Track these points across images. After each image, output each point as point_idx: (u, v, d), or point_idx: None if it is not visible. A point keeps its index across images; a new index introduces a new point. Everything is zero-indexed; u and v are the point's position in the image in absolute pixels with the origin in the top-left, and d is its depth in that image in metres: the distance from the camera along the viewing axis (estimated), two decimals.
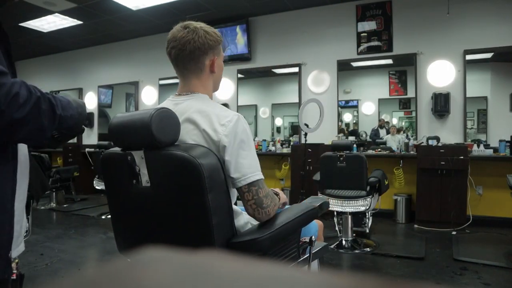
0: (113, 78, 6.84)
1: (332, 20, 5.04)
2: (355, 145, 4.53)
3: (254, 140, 5.39)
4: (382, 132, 5.03)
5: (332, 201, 3.19)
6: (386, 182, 3.36)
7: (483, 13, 4.28)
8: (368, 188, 3.17)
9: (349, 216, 3.33)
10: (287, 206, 1.33)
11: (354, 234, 3.38)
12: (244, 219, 1.22)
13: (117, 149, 1.17)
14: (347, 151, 3.24)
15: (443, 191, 3.84)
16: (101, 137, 6.81)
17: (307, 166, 4.12)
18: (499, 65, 4.51)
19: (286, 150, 5.12)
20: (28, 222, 1.73)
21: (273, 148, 5.25)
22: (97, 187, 4.71)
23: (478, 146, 4.08)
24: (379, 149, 4.57)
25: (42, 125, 0.80)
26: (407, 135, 4.76)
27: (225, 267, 0.22)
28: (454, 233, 3.69)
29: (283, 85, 5.81)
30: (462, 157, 3.77)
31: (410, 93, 4.76)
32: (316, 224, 1.54)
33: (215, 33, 1.22)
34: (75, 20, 5.56)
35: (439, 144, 4.08)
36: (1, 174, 0.83)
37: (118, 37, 6.53)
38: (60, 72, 7.57)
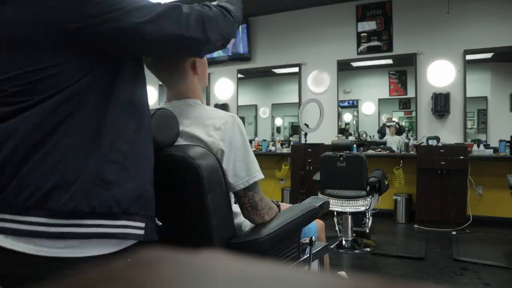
0: None
1: (332, 20, 5.04)
2: (355, 145, 4.53)
3: (254, 140, 5.40)
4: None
5: (332, 201, 3.18)
6: (386, 182, 3.36)
7: (483, 13, 4.28)
8: (368, 188, 3.16)
9: (349, 216, 3.33)
10: None
11: (354, 234, 3.38)
12: (243, 220, 1.22)
13: None
14: (347, 151, 3.24)
15: (443, 191, 3.84)
16: None
17: (307, 166, 4.12)
18: (499, 65, 4.51)
19: (286, 150, 5.11)
20: None
21: (273, 148, 5.25)
22: None
23: (478, 146, 4.08)
24: (379, 149, 4.57)
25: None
26: (407, 135, 4.76)
27: (225, 267, 0.22)
28: (454, 233, 3.69)
29: (283, 85, 5.81)
30: (462, 157, 3.77)
31: (410, 93, 4.76)
32: (317, 224, 1.54)
33: None
34: None
35: (439, 144, 4.07)
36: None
37: None
38: None
